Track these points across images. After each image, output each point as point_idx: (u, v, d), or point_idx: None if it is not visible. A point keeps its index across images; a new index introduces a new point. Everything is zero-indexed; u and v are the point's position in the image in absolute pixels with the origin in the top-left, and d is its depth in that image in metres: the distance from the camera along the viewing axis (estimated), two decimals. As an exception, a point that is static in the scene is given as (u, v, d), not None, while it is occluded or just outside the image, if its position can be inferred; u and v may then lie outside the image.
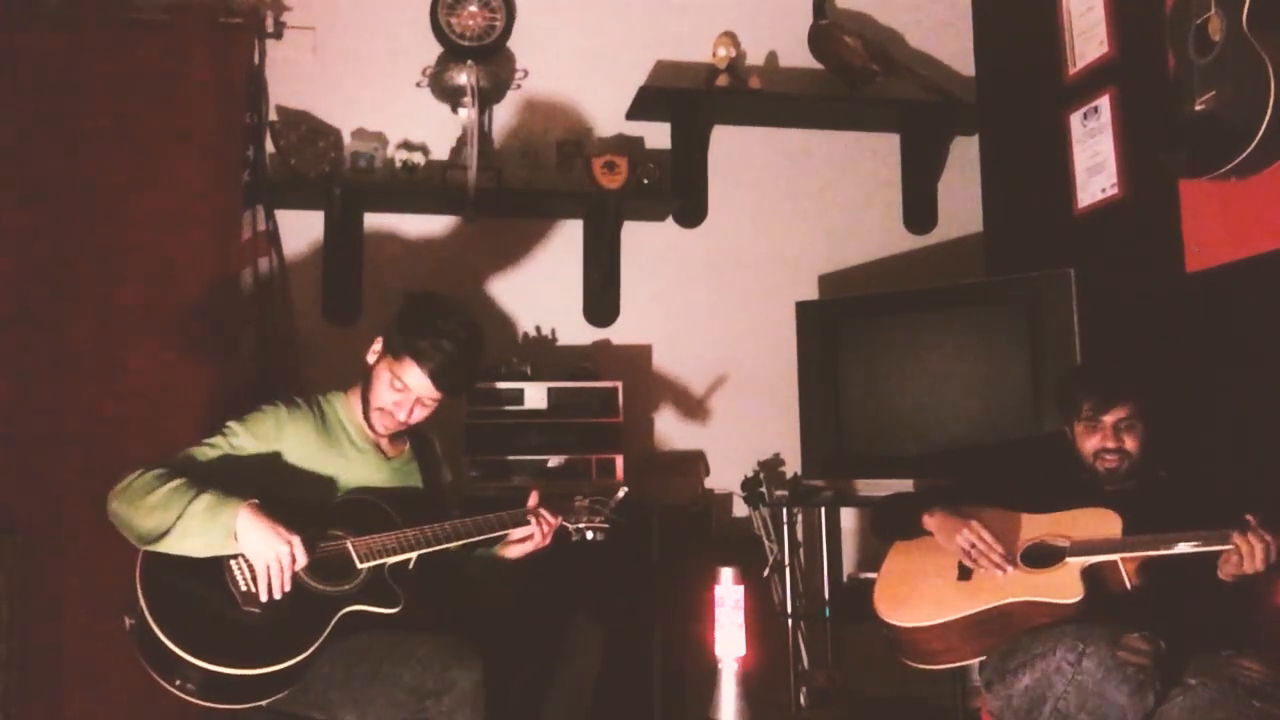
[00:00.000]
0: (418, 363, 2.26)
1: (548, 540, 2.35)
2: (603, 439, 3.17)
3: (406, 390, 2.28)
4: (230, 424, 2.27)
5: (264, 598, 2.05)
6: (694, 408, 3.56)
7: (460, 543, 2.30)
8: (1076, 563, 2.18)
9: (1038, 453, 2.56)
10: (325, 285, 3.33)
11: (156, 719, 2.78)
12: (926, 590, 2.32)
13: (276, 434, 2.26)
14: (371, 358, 2.36)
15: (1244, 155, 2.42)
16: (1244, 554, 2.02)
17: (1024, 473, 2.52)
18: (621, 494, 2.45)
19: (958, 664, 2.37)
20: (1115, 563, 2.16)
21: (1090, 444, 2.34)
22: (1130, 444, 2.31)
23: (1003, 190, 3.73)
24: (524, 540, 2.34)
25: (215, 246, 3.14)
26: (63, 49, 3.09)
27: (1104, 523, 2.23)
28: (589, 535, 2.40)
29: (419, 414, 2.32)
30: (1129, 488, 2.33)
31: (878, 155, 3.77)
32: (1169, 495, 2.30)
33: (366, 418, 2.35)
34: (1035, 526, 2.31)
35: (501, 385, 3.15)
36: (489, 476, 3.08)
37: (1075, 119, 3.24)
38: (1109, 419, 2.32)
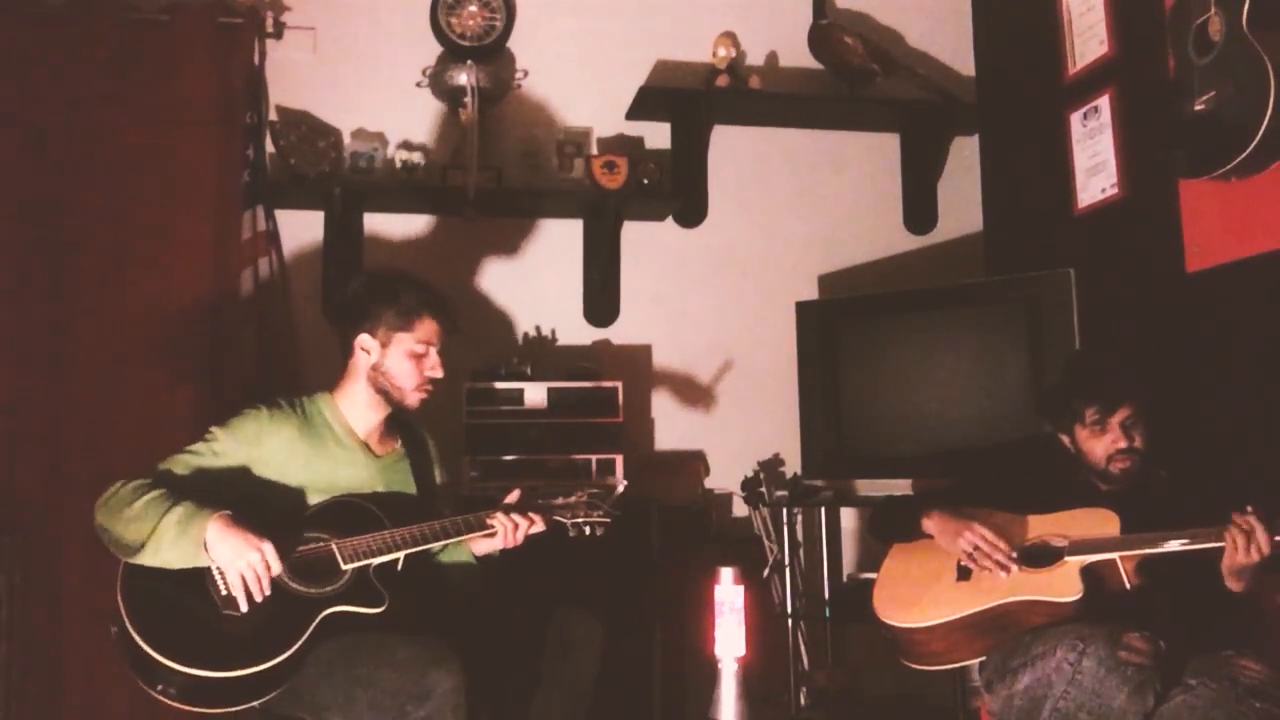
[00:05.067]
0: (431, 315, 2.35)
1: (518, 541, 2.32)
2: (603, 439, 3.17)
3: (428, 350, 2.35)
4: (213, 429, 2.27)
5: (242, 604, 2.04)
6: (694, 408, 3.56)
7: (445, 542, 2.29)
8: (1075, 561, 2.18)
9: (1037, 453, 2.55)
10: (325, 285, 3.33)
11: (155, 719, 2.79)
12: (926, 591, 2.32)
13: (258, 438, 2.25)
14: (370, 354, 2.34)
15: (1244, 155, 2.42)
16: (1239, 545, 2.02)
17: (1023, 473, 2.51)
18: (621, 488, 2.44)
19: (958, 664, 2.36)
20: (1115, 562, 2.16)
21: (1101, 448, 2.32)
22: (1139, 441, 2.31)
23: (1003, 190, 3.73)
24: (491, 536, 2.33)
25: (215, 246, 3.14)
26: (63, 48, 3.08)
27: (1102, 522, 2.23)
28: (588, 530, 2.39)
29: (440, 364, 2.38)
30: (1128, 487, 2.33)
31: (878, 155, 3.77)
32: (1168, 495, 2.30)
33: (400, 405, 2.36)
34: (1034, 527, 2.31)
35: (501, 385, 3.15)
36: (489, 476, 3.08)
37: (1075, 119, 3.24)
38: (1115, 420, 2.30)
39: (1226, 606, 2.13)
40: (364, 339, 2.34)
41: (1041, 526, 2.30)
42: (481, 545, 2.38)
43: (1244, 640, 2.09)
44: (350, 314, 2.38)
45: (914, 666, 2.35)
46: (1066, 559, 2.20)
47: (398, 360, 2.33)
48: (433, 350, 2.36)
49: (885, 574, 2.45)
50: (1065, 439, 2.41)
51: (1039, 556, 2.25)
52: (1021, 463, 2.62)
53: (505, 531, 2.30)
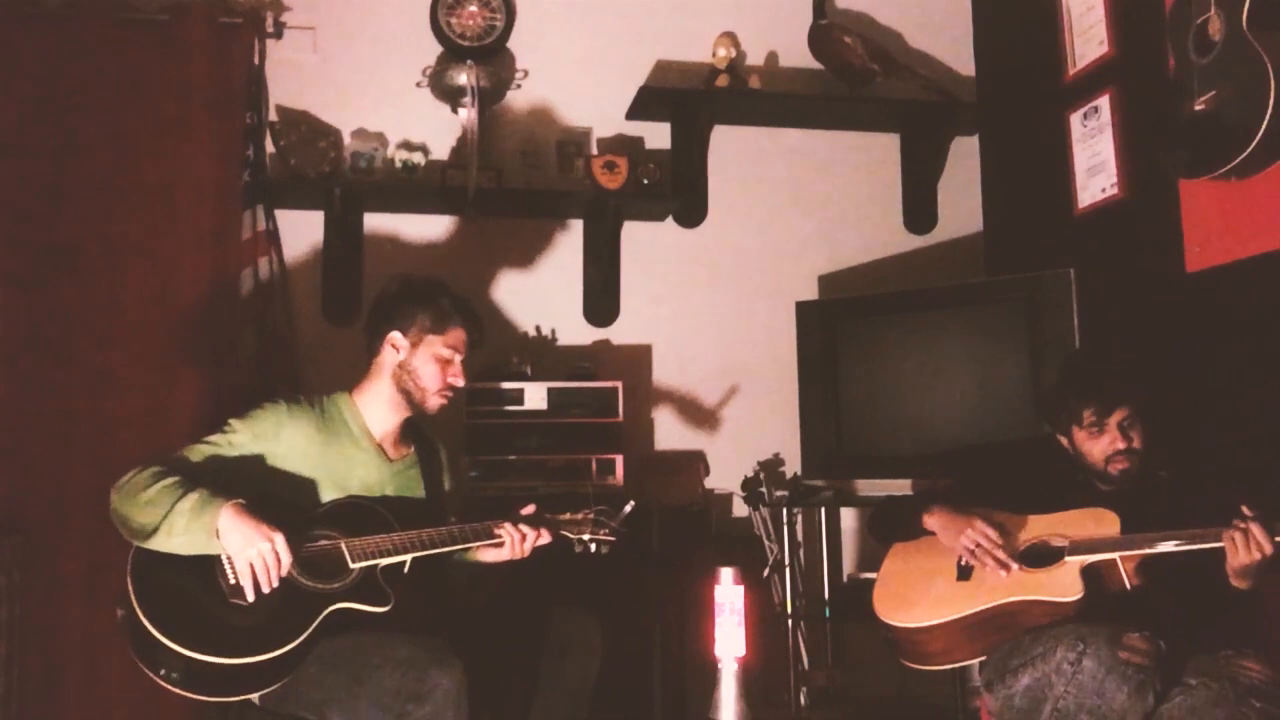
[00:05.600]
0: (463, 323, 2.41)
1: (525, 552, 2.34)
2: (603, 439, 3.17)
3: (454, 356, 2.39)
4: (231, 421, 2.29)
5: (249, 593, 2.06)
6: (694, 408, 3.56)
7: (453, 548, 2.30)
8: (1076, 561, 2.18)
9: (1036, 453, 2.55)
10: (325, 285, 3.33)
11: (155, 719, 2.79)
12: (926, 591, 2.32)
13: (276, 432, 2.27)
14: (400, 351, 2.37)
15: (1244, 155, 2.42)
16: (1239, 545, 2.02)
17: (1022, 473, 2.51)
18: (629, 508, 2.45)
19: (958, 664, 2.37)
20: (1115, 562, 2.16)
21: (1099, 449, 2.31)
22: (1137, 442, 2.30)
23: (1003, 190, 3.73)
24: (499, 546, 2.35)
25: (215, 246, 3.15)
26: (62, 49, 3.08)
27: (1102, 522, 2.23)
28: (593, 548, 2.41)
29: (462, 373, 2.45)
30: (1127, 488, 2.33)
31: (878, 155, 3.77)
32: (1168, 495, 2.30)
33: (421, 406, 2.39)
34: (1034, 527, 2.31)
35: (502, 385, 3.15)
36: (489, 476, 3.08)
37: (1075, 119, 3.24)
38: (1113, 420, 2.30)
39: (1227, 606, 2.13)
40: (395, 336, 2.38)
41: (1041, 526, 2.30)
42: (488, 554, 2.38)
43: (1244, 640, 2.09)
44: (384, 313, 2.42)
45: (914, 666, 2.35)
46: (1067, 559, 2.20)
47: (425, 361, 2.37)
48: (458, 358, 2.41)
49: (885, 573, 2.45)
50: (1064, 440, 2.41)
51: (1039, 556, 2.25)
52: (1021, 462, 2.62)
53: (512, 542, 2.32)
